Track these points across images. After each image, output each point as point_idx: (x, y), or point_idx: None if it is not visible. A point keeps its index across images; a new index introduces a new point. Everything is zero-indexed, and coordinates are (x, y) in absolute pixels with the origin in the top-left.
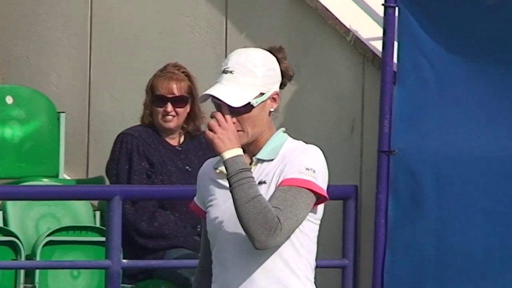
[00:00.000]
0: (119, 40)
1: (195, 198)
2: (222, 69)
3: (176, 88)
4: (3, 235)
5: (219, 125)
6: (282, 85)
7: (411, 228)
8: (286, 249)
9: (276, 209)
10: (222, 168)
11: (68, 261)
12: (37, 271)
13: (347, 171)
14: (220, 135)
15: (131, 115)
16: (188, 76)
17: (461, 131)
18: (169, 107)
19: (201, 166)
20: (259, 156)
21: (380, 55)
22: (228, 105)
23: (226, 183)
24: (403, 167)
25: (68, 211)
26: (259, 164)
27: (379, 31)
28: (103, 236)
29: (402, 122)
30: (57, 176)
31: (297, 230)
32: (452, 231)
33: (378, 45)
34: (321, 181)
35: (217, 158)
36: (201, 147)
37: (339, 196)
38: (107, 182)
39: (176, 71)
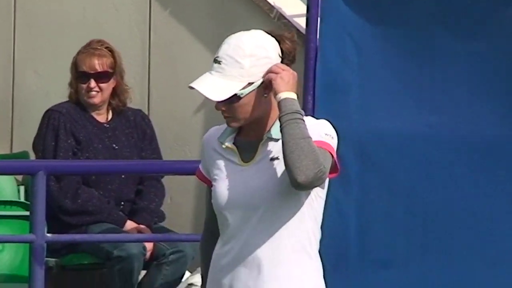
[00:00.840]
0: (43, 17)
1: (200, 166)
2: (215, 57)
3: (98, 64)
4: None
5: (283, 69)
6: (287, 62)
7: (335, 204)
8: (304, 221)
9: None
10: (229, 144)
11: None
12: None
13: None
14: (283, 75)
15: (55, 92)
16: (111, 51)
17: (383, 108)
18: (92, 83)
19: (128, 144)
20: (269, 135)
21: (304, 31)
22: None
23: (234, 159)
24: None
25: None
26: (269, 142)
27: (303, 8)
28: (27, 210)
29: (324, 98)
30: None
31: (308, 207)
32: (374, 209)
33: (302, 22)
34: (334, 145)
35: (222, 128)
36: (129, 124)
37: None
38: (32, 157)
39: (99, 47)
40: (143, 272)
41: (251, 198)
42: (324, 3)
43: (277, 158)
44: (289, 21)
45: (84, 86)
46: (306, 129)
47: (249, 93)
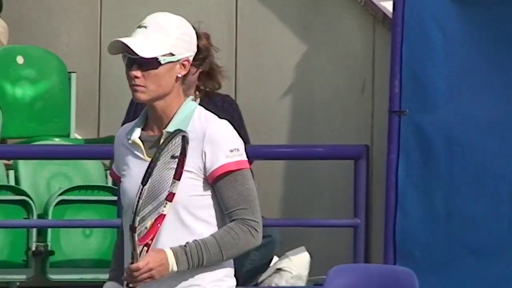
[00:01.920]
0: (128, 8)
1: (113, 165)
2: (138, 24)
3: None
4: (15, 194)
5: (140, 275)
6: (196, 62)
7: (421, 187)
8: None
9: (240, 210)
10: (134, 138)
11: (81, 220)
12: (49, 230)
13: (358, 131)
14: (154, 273)
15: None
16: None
17: (468, 93)
18: None
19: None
20: (169, 129)
21: (390, 15)
22: (136, 59)
23: (139, 153)
24: (413, 127)
25: (80, 170)
26: (175, 139)
27: None
28: (114, 195)
29: (410, 82)
30: (68, 135)
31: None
32: (460, 192)
33: (388, 6)
34: (244, 154)
35: (131, 124)
36: (217, 110)
37: (350, 156)
38: None
39: None
40: None
41: (154, 188)
42: None
43: (177, 157)
44: (375, 4)
45: None
46: (207, 250)
47: (168, 62)
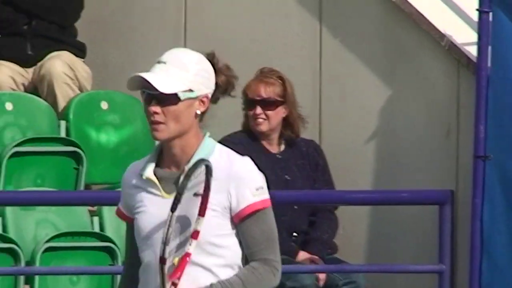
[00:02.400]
0: (212, 47)
1: (119, 204)
2: (157, 60)
3: (263, 91)
4: (101, 241)
5: None
6: (214, 98)
7: (507, 233)
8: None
9: (263, 250)
10: (149, 175)
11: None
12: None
13: (442, 176)
14: None
15: (224, 118)
16: (282, 80)
17: None
18: (258, 109)
19: (300, 175)
20: (189, 166)
21: (474, 60)
22: (155, 94)
23: (155, 191)
24: (498, 172)
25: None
26: (198, 168)
27: (473, 36)
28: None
29: (495, 127)
30: None
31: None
32: None
33: (472, 50)
34: (267, 190)
35: (142, 162)
36: (302, 155)
37: (435, 201)
38: None
39: (268, 75)
40: None
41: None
42: (495, 31)
43: (200, 194)
44: (460, 49)
45: (251, 112)
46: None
47: (188, 98)
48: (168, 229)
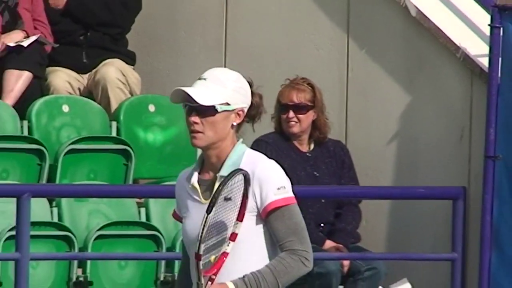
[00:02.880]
0: (250, 56)
1: (175, 207)
2: (198, 77)
3: (296, 97)
4: (147, 229)
5: None
6: (250, 117)
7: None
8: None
9: (289, 242)
10: (193, 182)
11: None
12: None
13: (456, 174)
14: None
15: (261, 122)
16: (312, 87)
17: None
18: (291, 113)
19: (328, 172)
20: (222, 173)
21: (486, 70)
22: (195, 106)
23: (197, 197)
24: (506, 170)
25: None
26: (235, 177)
27: (485, 49)
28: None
29: (505, 130)
30: None
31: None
32: None
33: (485, 61)
34: (291, 191)
35: (189, 170)
36: (329, 154)
37: (449, 197)
38: None
39: (300, 82)
40: (341, 287)
41: (213, 228)
42: (505, 45)
43: (229, 199)
44: (473, 60)
45: (284, 116)
46: (264, 280)
47: (224, 111)
48: (203, 229)
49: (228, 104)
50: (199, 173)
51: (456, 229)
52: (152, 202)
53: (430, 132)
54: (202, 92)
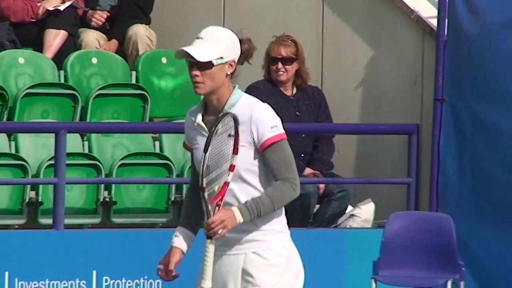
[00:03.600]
0: (244, 16)
1: (184, 139)
2: (196, 36)
3: (283, 51)
4: (160, 159)
5: (216, 226)
6: (240, 61)
7: (456, 155)
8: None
9: (282, 171)
10: (199, 121)
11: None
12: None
13: (411, 114)
14: (226, 223)
15: (252, 72)
16: (295, 43)
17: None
18: (279, 65)
19: (307, 111)
20: (224, 111)
21: (435, 29)
22: (195, 62)
23: (204, 132)
24: (451, 111)
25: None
26: (226, 118)
27: (434, 11)
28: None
29: (450, 78)
30: None
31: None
32: (483, 157)
33: (434, 22)
34: (282, 128)
35: (195, 110)
36: (308, 97)
37: (405, 132)
38: None
39: (285, 39)
40: (317, 206)
41: (217, 158)
42: (450, 7)
43: (232, 136)
44: (424, 21)
45: (274, 67)
46: (263, 204)
47: (219, 64)
48: (202, 166)
49: (221, 58)
50: (204, 114)
51: (411, 158)
52: (164, 136)
53: (390, 79)
54: (200, 50)
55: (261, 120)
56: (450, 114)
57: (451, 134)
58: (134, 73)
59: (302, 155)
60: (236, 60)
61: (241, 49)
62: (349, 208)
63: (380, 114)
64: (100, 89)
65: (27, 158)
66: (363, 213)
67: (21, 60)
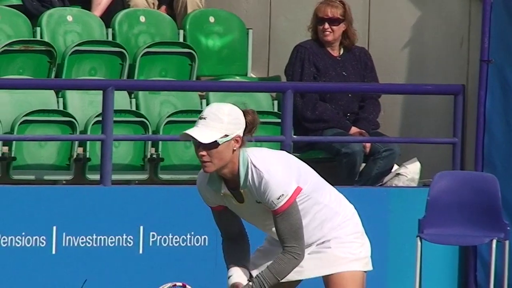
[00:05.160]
0: None
1: (208, 204)
2: (199, 116)
3: (330, 12)
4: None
5: None
6: (248, 132)
7: (503, 115)
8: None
9: (285, 239)
10: (225, 191)
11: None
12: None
13: (457, 74)
14: None
15: (300, 32)
16: (343, 4)
17: None
18: (326, 25)
19: (354, 72)
20: (243, 187)
21: None
22: (201, 143)
23: (231, 200)
24: (497, 71)
25: (253, 100)
26: (246, 191)
27: None
28: (279, 118)
29: (497, 39)
30: (245, 75)
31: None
32: None
33: None
34: (291, 189)
35: (208, 179)
36: (355, 58)
37: (451, 92)
38: (283, 80)
39: (333, 0)
40: (363, 165)
41: (256, 219)
42: None
43: (260, 202)
44: None
45: (321, 27)
46: (266, 282)
47: (224, 142)
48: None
49: (226, 135)
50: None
51: (457, 118)
52: (211, 95)
53: (436, 40)
54: (204, 132)
55: (268, 190)
56: (497, 75)
57: (497, 94)
58: (181, 31)
59: (348, 114)
60: (241, 134)
61: (245, 121)
62: (395, 167)
63: (426, 75)
64: (147, 47)
65: (75, 114)
66: (409, 172)
67: (70, 18)
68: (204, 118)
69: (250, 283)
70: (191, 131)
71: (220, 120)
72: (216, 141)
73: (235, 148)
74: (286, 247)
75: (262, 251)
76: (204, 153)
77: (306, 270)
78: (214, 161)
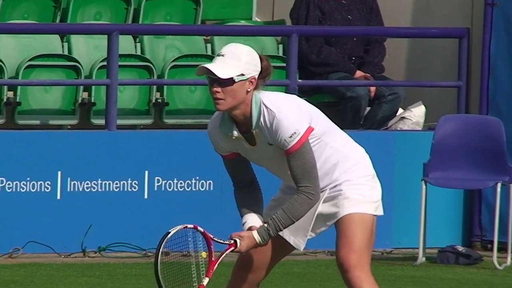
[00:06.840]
0: None
1: (218, 150)
2: (217, 53)
3: None
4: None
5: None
6: (261, 78)
7: (507, 59)
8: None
9: (299, 178)
10: (237, 134)
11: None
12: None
13: (462, 18)
14: (244, 246)
15: None
16: None
17: None
18: None
19: (359, 15)
20: (254, 129)
21: None
22: (216, 78)
23: (243, 143)
24: (502, 15)
25: (257, 43)
26: (258, 133)
27: None
28: (284, 62)
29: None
30: (250, 18)
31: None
32: None
33: None
34: (303, 128)
35: (217, 121)
36: (360, 1)
37: (456, 35)
38: (288, 23)
39: None
40: (368, 108)
41: (268, 162)
42: None
43: (271, 144)
44: None
45: None
46: (279, 224)
47: (240, 81)
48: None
49: (243, 74)
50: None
51: (461, 62)
52: (216, 39)
53: None
54: (221, 67)
55: (280, 129)
56: (501, 18)
57: (502, 38)
58: None
59: (354, 58)
60: (257, 77)
61: (261, 67)
62: (400, 110)
63: (431, 19)
64: None
65: (79, 59)
66: (414, 115)
67: None
68: (223, 55)
69: (265, 225)
70: (209, 65)
71: (238, 59)
72: (232, 78)
73: (249, 90)
74: (300, 187)
75: (276, 200)
76: (218, 89)
77: (326, 219)
78: (227, 99)
